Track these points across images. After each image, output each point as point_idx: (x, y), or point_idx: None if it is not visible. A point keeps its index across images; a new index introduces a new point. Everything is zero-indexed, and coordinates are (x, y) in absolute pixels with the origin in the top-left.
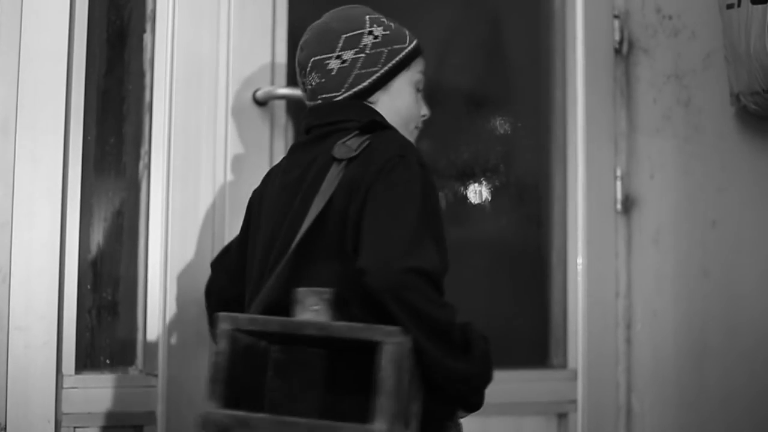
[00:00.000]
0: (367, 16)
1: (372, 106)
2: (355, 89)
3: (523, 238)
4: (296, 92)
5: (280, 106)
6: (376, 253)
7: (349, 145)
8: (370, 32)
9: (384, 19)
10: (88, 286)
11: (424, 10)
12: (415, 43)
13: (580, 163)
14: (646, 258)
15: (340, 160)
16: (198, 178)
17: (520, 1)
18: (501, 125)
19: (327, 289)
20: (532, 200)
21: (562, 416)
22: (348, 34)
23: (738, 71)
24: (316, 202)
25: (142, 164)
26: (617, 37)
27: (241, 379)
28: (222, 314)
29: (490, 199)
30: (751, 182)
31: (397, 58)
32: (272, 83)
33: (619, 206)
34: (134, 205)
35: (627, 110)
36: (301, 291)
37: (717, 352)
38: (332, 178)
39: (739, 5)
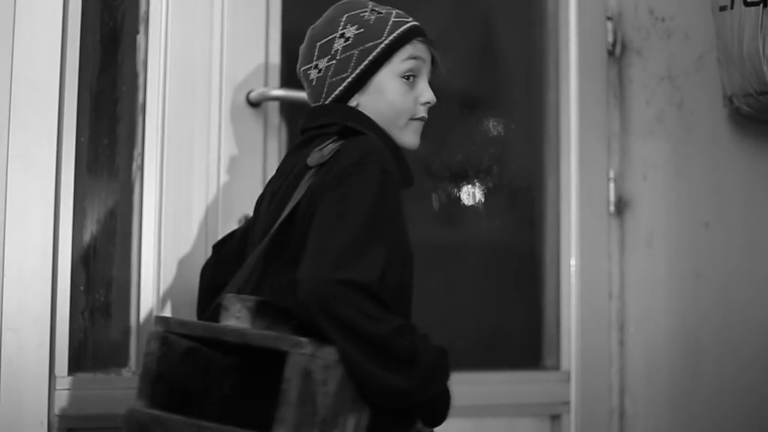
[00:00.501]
0: (345, 16)
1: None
2: (332, 97)
3: (517, 240)
4: (290, 94)
5: (274, 108)
6: (311, 263)
7: (322, 152)
8: (342, 35)
9: (365, 13)
10: (81, 288)
11: (416, 11)
12: (397, 32)
13: (573, 165)
14: (639, 259)
15: (312, 167)
16: (191, 180)
17: (513, 2)
18: (494, 127)
19: (251, 297)
20: (525, 202)
21: (555, 418)
22: (321, 42)
23: (731, 73)
24: (286, 209)
25: (135, 165)
26: (610, 39)
27: (183, 381)
28: (156, 316)
29: (483, 200)
30: (744, 184)
31: (369, 58)
32: (266, 84)
33: (612, 208)
34: (127, 206)
35: (620, 112)
36: (228, 297)
37: (709, 353)
38: (303, 185)
39: (732, 7)
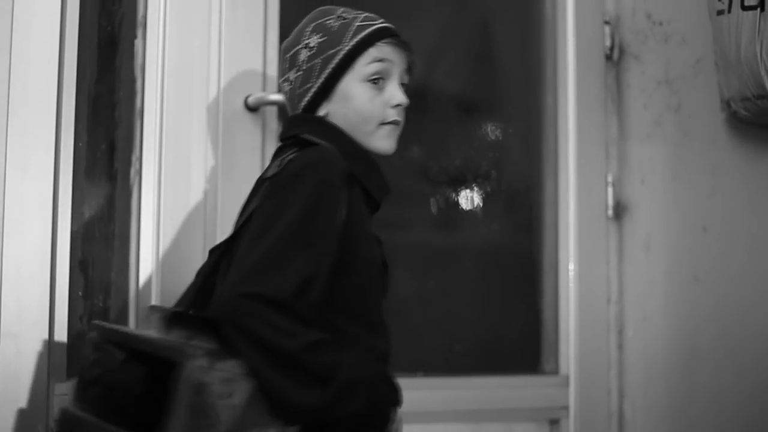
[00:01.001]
0: (311, 25)
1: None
2: (302, 108)
3: (515, 244)
4: None
5: (272, 112)
6: (229, 278)
7: (277, 164)
8: (306, 45)
9: (330, 20)
10: (80, 293)
11: (414, 15)
12: (360, 37)
13: (571, 169)
14: (637, 263)
15: (266, 179)
16: (189, 184)
17: (511, 6)
18: (492, 131)
19: (166, 308)
20: (523, 206)
21: (554, 422)
22: (290, 53)
23: (728, 77)
24: (240, 222)
25: (133, 170)
26: (608, 43)
27: (123, 387)
28: (91, 323)
29: (481, 205)
30: (742, 188)
31: (331, 66)
32: (264, 89)
33: (610, 212)
34: (125, 211)
35: (618, 116)
36: (149, 307)
37: (708, 357)
38: (258, 197)
39: (729, 11)
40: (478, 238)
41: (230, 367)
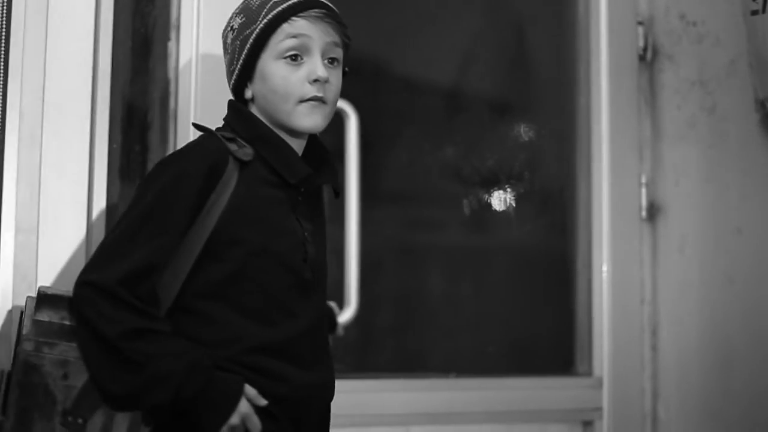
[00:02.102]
0: (239, 7)
1: (249, 101)
2: (231, 91)
3: (548, 246)
4: None
5: None
6: None
7: None
8: (231, 27)
9: (253, 1)
10: None
11: (447, 17)
12: (272, 14)
13: (604, 171)
14: (671, 265)
15: None
16: None
17: (544, 8)
18: (525, 132)
19: (46, 290)
20: (556, 207)
21: (587, 424)
22: (222, 39)
23: (763, 78)
24: None
25: None
26: (641, 44)
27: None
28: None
29: (514, 206)
30: None
31: (248, 46)
32: None
33: (644, 213)
34: None
35: (651, 117)
36: (39, 287)
37: (742, 359)
38: None
39: (763, 11)
40: (511, 239)
41: (63, 351)
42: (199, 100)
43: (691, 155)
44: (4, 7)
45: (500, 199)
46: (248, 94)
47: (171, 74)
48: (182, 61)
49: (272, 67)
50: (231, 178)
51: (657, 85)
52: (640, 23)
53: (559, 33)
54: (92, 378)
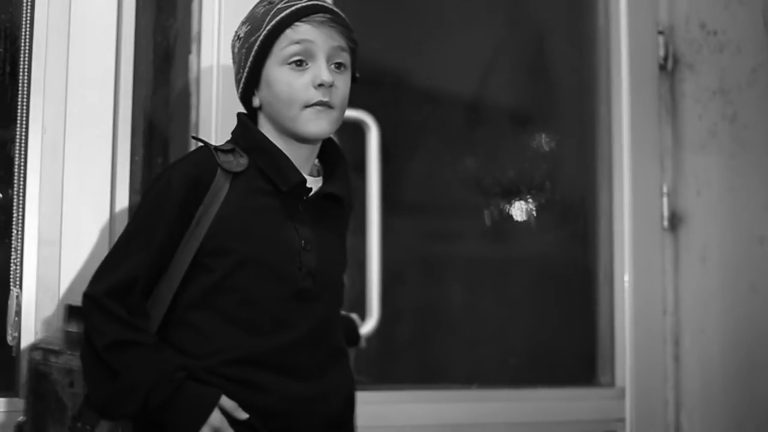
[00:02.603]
0: (245, 16)
1: (258, 110)
2: (241, 101)
3: (570, 256)
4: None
5: None
6: None
7: None
8: (238, 36)
9: (258, 8)
10: None
11: (468, 28)
12: (275, 20)
13: (626, 180)
14: (693, 275)
15: None
16: None
17: (565, 18)
18: (546, 143)
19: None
20: (578, 218)
21: None
22: (231, 48)
23: None
24: None
25: None
26: (662, 53)
27: None
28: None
29: (536, 216)
30: None
31: (253, 53)
32: None
33: (665, 223)
34: None
35: (672, 126)
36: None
37: (765, 369)
38: None
39: None
40: (533, 249)
41: (67, 360)
42: (219, 113)
43: (713, 164)
44: (27, 22)
45: (521, 210)
46: (256, 102)
47: (192, 87)
48: (203, 74)
49: (277, 73)
50: (220, 189)
51: (678, 94)
52: (660, 32)
53: (579, 43)
54: (87, 387)
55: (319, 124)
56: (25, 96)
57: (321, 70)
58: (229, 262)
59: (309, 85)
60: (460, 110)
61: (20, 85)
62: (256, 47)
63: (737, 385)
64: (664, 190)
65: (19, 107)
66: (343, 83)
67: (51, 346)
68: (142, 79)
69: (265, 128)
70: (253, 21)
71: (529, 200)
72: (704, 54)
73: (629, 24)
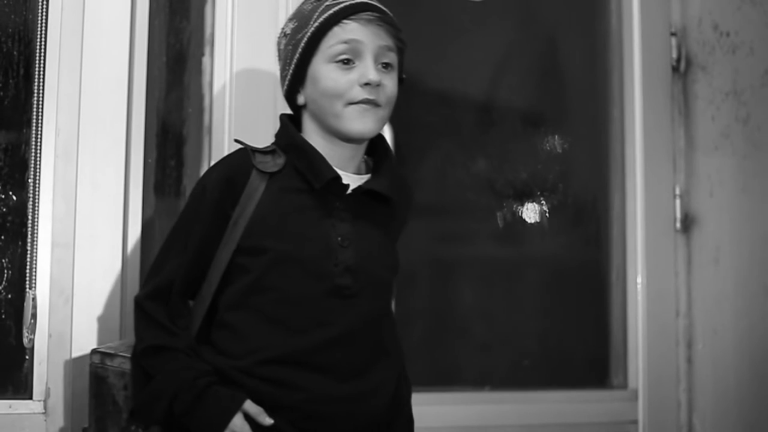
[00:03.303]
0: (292, 13)
1: (302, 108)
2: (285, 99)
3: (582, 257)
4: None
5: None
6: None
7: None
8: (284, 33)
9: (305, 5)
10: None
11: (480, 30)
12: (323, 17)
13: (638, 182)
14: (706, 276)
15: None
16: None
17: (577, 20)
18: (559, 144)
19: None
20: (590, 219)
21: None
22: (276, 45)
23: None
24: None
25: None
26: (674, 55)
27: None
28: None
29: (548, 217)
30: None
31: (300, 50)
32: None
33: (678, 225)
34: None
35: (685, 128)
36: None
37: None
38: None
39: None
40: (545, 251)
41: (120, 362)
42: (233, 115)
43: (726, 166)
44: (41, 24)
45: (534, 212)
46: (300, 99)
47: (205, 89)
48: (216, 76)
49: (323, 70)
50: (256, 190)
51: (690, 95)
52: (673, 34)
53: (592, 45)
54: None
55: (363, 123)
56: (39, 99)
57: (368, 69)
58: (265, 261)
59: (355, 82)
60: (473, 112)
61: (34, 87)
62: (303, 44)
63: (750, 387)
64: (677, 191)
65: (33, 110)
66: (390, 82)
67: (108, 350)
68: (155, 81)
69: (309, 127)
70: (300, 18)
71: (542, 202)
72: (717, 55)
73: (642, 25)
